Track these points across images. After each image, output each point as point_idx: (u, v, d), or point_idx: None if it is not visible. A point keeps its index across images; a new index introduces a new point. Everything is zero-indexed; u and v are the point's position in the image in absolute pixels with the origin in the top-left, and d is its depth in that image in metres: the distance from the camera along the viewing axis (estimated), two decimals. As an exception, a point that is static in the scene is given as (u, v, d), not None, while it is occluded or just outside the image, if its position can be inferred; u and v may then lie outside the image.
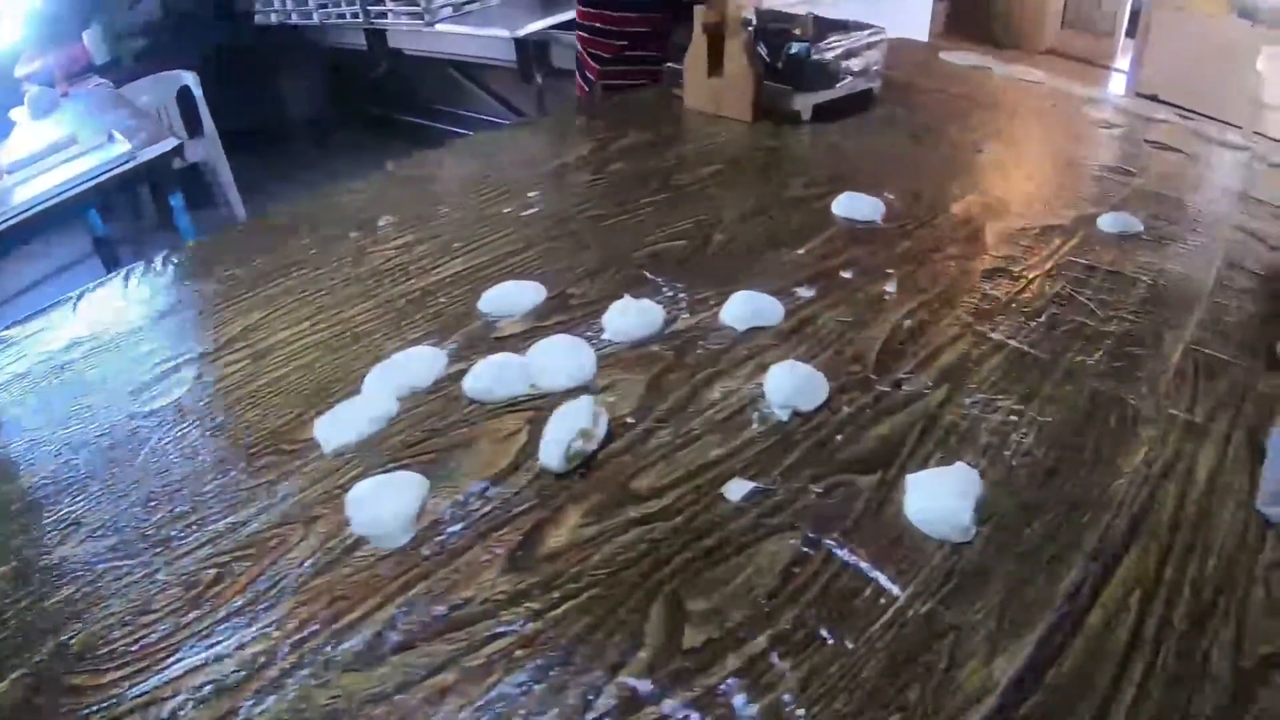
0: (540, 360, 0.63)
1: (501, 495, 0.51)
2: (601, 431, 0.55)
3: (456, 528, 0.49)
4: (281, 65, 3.46)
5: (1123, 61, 6.09)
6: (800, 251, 0.81)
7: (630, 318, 0.68)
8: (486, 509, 0.50)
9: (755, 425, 0.57)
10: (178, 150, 2.26)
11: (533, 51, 2.48)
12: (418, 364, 0.64)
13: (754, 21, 1.19)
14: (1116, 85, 5.65)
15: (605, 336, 0.67)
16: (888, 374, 0.62)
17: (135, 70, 2.77)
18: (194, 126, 2.71)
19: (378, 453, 0.55)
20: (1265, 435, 0.54)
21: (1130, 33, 5.85)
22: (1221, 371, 0.63)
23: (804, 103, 1.17)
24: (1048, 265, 0.78)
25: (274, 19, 2.61)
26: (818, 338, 0.67)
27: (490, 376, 0.61)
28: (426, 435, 0.57)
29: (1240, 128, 4.90)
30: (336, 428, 0.57)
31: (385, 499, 0.50)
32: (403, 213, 0.92)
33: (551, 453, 0.53)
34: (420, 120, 3.31)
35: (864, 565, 0.46)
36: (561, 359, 0.63)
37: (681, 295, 0.73)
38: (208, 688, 0.40)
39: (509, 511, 0.50)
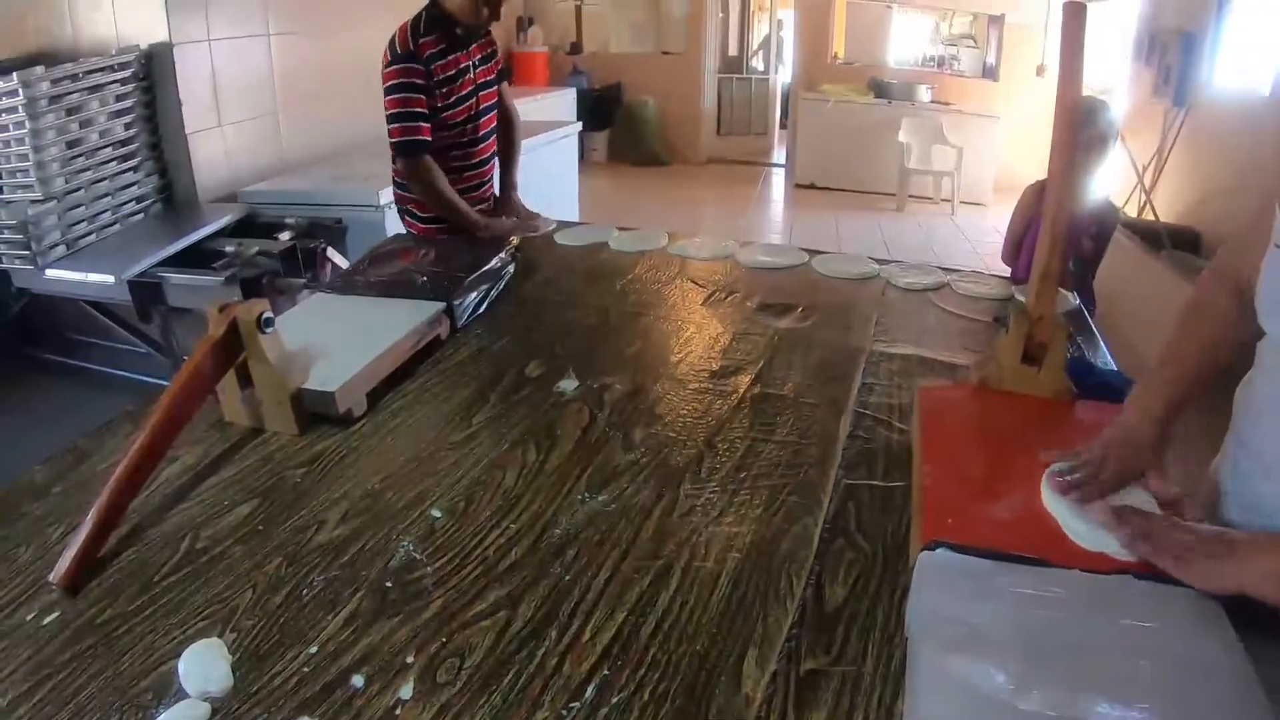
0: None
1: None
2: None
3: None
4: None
5: (780, 156, 6.45)
6: None
7: None
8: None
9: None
10: None
11: (145, 293, 2.22)
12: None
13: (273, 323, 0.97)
14: (778, 179, 6.07)
15: None
16: None
17: None
18: None
19: None
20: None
21: (786, 125, 6.29)
22: None
23: (348, 398, 0.98)
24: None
25: None
26: None
27: None
28: None
29: (895, 195, 5.56)
30: None
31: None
32: None
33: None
34: (60, 358, 2.80)
35: None
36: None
37: None
38: None
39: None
